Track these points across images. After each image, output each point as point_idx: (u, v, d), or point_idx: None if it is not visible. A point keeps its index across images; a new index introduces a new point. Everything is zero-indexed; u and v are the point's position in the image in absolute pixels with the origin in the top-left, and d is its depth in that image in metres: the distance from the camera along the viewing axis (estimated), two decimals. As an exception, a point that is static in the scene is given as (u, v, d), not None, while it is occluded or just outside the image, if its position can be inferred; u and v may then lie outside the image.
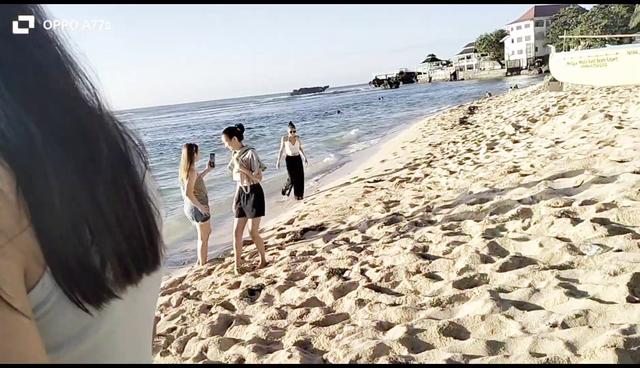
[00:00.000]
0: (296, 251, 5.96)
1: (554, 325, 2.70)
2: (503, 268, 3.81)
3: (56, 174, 0.54)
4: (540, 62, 77.64)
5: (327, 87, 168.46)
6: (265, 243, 6.74)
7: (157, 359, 3.83)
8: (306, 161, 10.35)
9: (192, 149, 6.17)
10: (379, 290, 4.01)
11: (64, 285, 0.53)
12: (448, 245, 4.70)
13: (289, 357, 3.12)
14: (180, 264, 7.20)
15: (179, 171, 6.33)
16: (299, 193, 10.05)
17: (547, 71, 26.35)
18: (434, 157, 11.10)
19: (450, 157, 10.41)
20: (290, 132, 9.89)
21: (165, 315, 4.81)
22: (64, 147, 0.56)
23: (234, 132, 5.61)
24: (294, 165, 9.97)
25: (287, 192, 10.35)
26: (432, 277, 4.05)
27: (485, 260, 4.12)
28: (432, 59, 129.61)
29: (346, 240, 5.92)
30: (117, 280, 0.60)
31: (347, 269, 4.76)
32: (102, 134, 0.61)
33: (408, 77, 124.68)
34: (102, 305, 0.57)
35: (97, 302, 0.57)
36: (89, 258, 0.56)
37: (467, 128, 16.26)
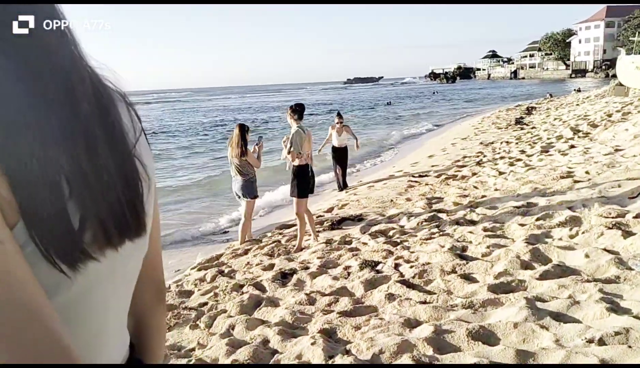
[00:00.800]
0: (332, 239, 5.93)
1: (591, 341, 2.55)
2: (543, 276, 3.64)
3: (36, 126, 0.53)
4: (607, 66, 73.60)
5: (382, 77, 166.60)
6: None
7: (186, 332, 3.92)
8: (358, 147, 10.20)
9: (244, 129, 6.30)
10: (410, 286, 3.93)
11: (38, 241, 0.52)
12: (488, 247, 4.53)
13: (312, 344, 3.11)
14: (219, 242, 7.34)
15: (228, 150, 6.45)
16: (343, 185, 9.78)
17: (614, 75, 24.85)
18: (484, 156, 10.75)
19: (501, 158, 10.05)
20: (338, 121, 9.61)
21: (199, 290, 4.92)
22: (46, 101, 0.55)
23: (294, 109, 5.81)
24: (340, 156, 9.67)
25: (340, 186, 9.76)
26: (468, 278, 3.92)
27: (526, 266, 3.95)
28: (493, 55, 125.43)
29: (383, 232, 5.83)
30: (96, 242, 0.58)
31: (380, 262, 4.69)
32: (84, 93, 0.59)
33: (466, 73, 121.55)
34: (77, 266, 0.56)
35: (72, 263, 0.55)
36: (64, 214, 0.54)
37: (522, 129, 15.65)
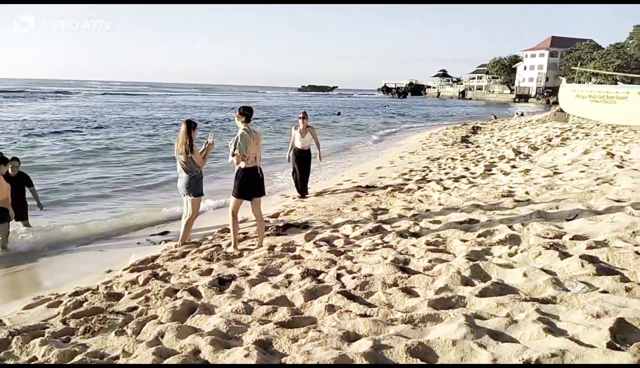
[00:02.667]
0: (275, 245, 5.78)
1: (527, 362, 2.53)
2: (483, 294, 3.64)
3: None
4: (549, 93, 77.62)
5: (336, 87, 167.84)
6: (245, 234, 6.58)
7: (111, 338, 3.64)
8: (320, 158, 9.53)
9: (190, 125, 6.07)
10: (351, 298, 3.83)
11: None
12: (430, 261, 4.52)
13: (246, 356, 2.93)
14: (157, 243, 7.00)
15: (175, 146, 6.20)
16: (302, 191, 9.17)
17: (555, 102, 26.21)
18: (430, 171, 10.94)
19: (446, 173, 10.25)
20: (302, 121, 9.04)
21: (129, 293, 4.62)
22: None
23: (242, 112, 5.70)
24: (301, 159, 9.07)
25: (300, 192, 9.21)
26: (409, 292, 3.87)
27: (466, 282, 3.95)
28: (444, 74, 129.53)
29: (328, 241, 5.74)
30: None
31: (323, 271, 4.58)
32: None
33: (417, 89, 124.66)
34: None
35: None
36: None
37: (467, 147, 16.11)
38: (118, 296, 4.60)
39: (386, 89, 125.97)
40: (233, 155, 5.62)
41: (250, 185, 5.75)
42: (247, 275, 4.75)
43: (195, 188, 6.24)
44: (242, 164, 5.65)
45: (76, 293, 4.72)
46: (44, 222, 8.07)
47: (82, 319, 4.01)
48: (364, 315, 3.47)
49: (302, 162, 9.12)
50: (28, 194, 7.53)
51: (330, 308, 3.64)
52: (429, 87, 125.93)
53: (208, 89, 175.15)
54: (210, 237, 6.69)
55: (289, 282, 4.39)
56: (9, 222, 6.77)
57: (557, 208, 5.97)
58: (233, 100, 73.19)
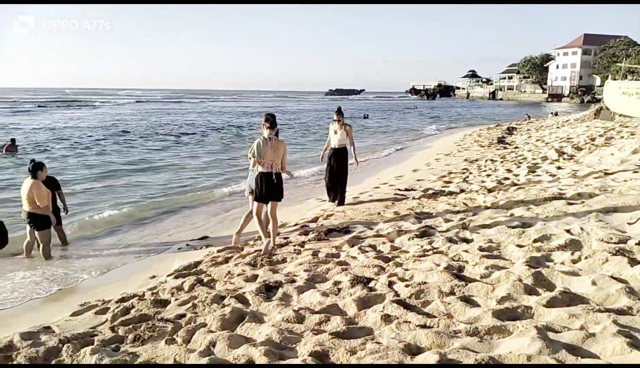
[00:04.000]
0: (319, 251, 5.64)
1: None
2: (551, 304, 3.41)
3: None
4: (583, 91, 75.53)
5: (363, 90, 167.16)
6: (287, 239, 6.46)
7: (161, 347, 3.56)
8: (356, 161, 8.72)
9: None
10: (408, 307, 3.66)
11: None
12: (486, 268, 4.31)
13: (304, 369, 2.80)
14: (198, 248, 6.97)
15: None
16: (337, 198, 8.37)
17: (590, 101, 25.33)
18: (470, 173, 10.64)
19: (488, 175, 9.94)
20: (336, 118, 8.31)
21: (176, 300, 4.55)
22: None
23: (266, 119, 6.07)
24: (335, 158, 8.28)
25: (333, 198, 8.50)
26: (468, 301, 3.68)
27: (530, 291, 3.72)
28: (473, 75, 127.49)
29: (373, 247, 5.57)
30: None
31: (372, 279, 4.41)
32: None
33: (446, 90, 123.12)
34: None
35: None
36: None
37: (505, 148, 15.69)
38: (165, 303, 4.54)
39: (414, 91, 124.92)
40: (250, 158, 6.12)
41: (266, 189, 6.07)
42: (293, 281, 4.62)
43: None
44: (259, 168, 6.04)
45: (123, 300, 4.69)
46: (83, 227, 8.16)
47: (130, 326, 3.95)
48: (424, 326, 3.29)
49: (337, 162, 8.31)
50: None
51: (387, 318, 3.48)
52: (458, 88, 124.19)
53: (236, 94, 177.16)
54: (251, 242, 6.61)
55: (339, 290, 4.24)
56: (50, 228, 6.82)
57: (615, 211, 5.66)
58: (264, 105, 73.79)
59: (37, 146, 20.68)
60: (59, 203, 7.40)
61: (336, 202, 8.40)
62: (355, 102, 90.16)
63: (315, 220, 7.44)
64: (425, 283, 4.10)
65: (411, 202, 8.01)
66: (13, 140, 18.23)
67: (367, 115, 45.14)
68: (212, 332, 3.63)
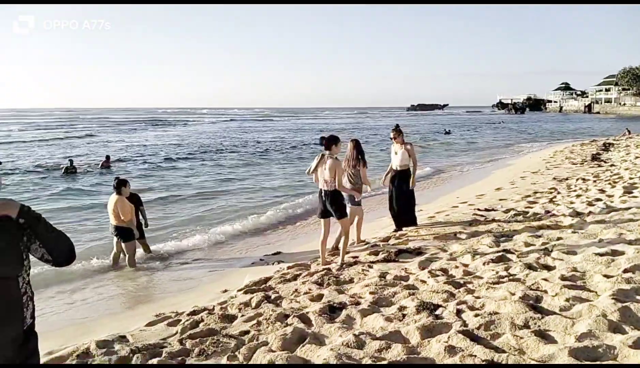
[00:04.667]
0: (387, 273, 5.50)
1: None
2: (638, 345, 3.04)
3: None
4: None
5: (447, 105, 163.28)
6: (356, 258, 6.38)
7: (224, 362, 3.62)
8: (412, 183, 7.66)
9: (359, 143, 7.30)
10: (475, 339, 3.44)
11: None
12: (567, 300, 3.95)
13: (359, 399, 2.71)
14: (270, 263, 7.08)
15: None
16: (400, 222, 7.79)
17: None
18: (559, 193, 9.94)
19: (577, 196, 9.22)
20: (393, 137, 7.82)
21: (242, 316, 4.63)
22: None
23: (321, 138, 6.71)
24: (396, 181, 7.73)
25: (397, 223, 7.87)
26: (544, 336, 3.38)
27: (615, 328, 3.36)
28: (566, 87, 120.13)
29: (444, 271, 5.33)
30: None
31: (440, 305, 4.21)
32: None
33: (536, 104, 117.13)
34: None
35: None
36: None
37: (600, 166, 14.52)
38: (232, 318, 4.63)
39: (501, 105, 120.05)
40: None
41: (319, 205, 6.34)
42: (358, 303, 4.53)
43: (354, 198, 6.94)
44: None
45: (194, 313, 4.85)
46: (165, 240, 8.60)
47: (197, 340, 4.06)
48: (491, 363, 3.06)
49: (399, 185, 7.70)
50: None
51: (451, 350, 3.28)
52: (549, 101, 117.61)
53: (319, 111, 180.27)
54: (318, 260, 6.60)
55: (403, 315, 4.09)
56: (134, 240, 7.26)
57: None
58: (343, 122, 74.45)
59: (131, 161, 22.29)
60: (142, 217, 7.86)
61: (397, 226, 7.84)
62: (437, 118, 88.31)
63: (386, 239, 7.29)
64: (497, 313, 3.84)
65: (490, 224, 7.61)
66: (107, 157, 19.81)
67: (449, 130, 43.95)
68: (272, 351, 3.63)
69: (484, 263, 5.36)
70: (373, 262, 6.04)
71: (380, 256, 6.25)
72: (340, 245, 6.30)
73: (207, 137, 39.55)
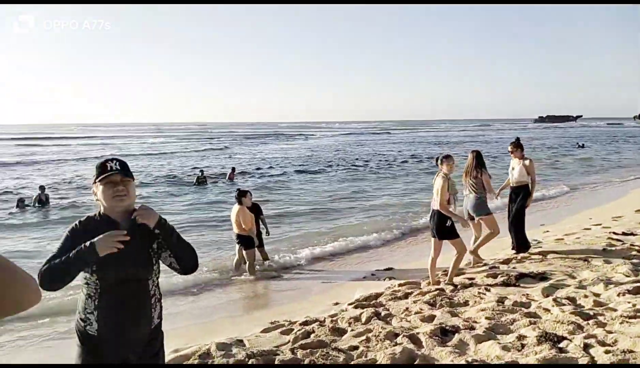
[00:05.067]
0: (505, 298, 5.18)
1: None
2: None
3: None
4: None
5: (580, 116, 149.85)
6: (472, 280, 6.11)
7: (332, 376, 3.67)
8: (528, 202, 7.21)
9: (479, 153, 7.16)
10: (605, 379, 3.10)
11: None
12: None
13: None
14: (382, 279, 7.05)
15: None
16: (518, 244, 7.28)
17: None
18: None
19: None
20: (510, 150, 7.36)
21: (352, 331, 4.67)
22: None
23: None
24: (512, 198, 7.31)
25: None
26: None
27: None
28: None
29: (572, 300, 4.88)
30: None
31: (565, 338, 3.86)
32: None
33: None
34: None
35: None
36: None
37: None
38: (342, 332, 4.69)
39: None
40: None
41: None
42: (472, 328, 4.33)
43: (483, 207, 6.86)
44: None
45: (305, 323, 4.99)
46: (281, 251, 8.97)
47: (308, 351, 4.16)
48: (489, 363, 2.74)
49: (510, 201, 7.34)
50: None
51: (576, 389, 3.00)
52: None
53: (440, 122, 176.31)
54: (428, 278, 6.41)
55: (522, 345, 3.82)
56: (255, 248, 7.67)
57: None
58: (464, 135, 71.98)
59: (254, 173, 23.63)
60: (262, 226, 8.28)
61: (516, 248, 7.30)
62: (569, 130, 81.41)
63: (507, 262, 6.87)
64: (632, 352, 3.42)
65: (629, 250, 6.83)
66: (233, 169, 21.20)
67: (583, 144, 40.20)
68: (380, 369, 3.61)
69: (618, 294, 4.82)
70: (491, 285, 5.74)
71: (499, 279, 5.90)
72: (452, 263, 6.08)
73: (326, 150, 40.63)
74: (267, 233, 8.34)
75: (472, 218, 7.01)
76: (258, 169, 25.76)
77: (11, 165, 28.37)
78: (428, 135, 70.59)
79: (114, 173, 2.18)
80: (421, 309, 5.11)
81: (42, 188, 14.86)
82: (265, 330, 5.00)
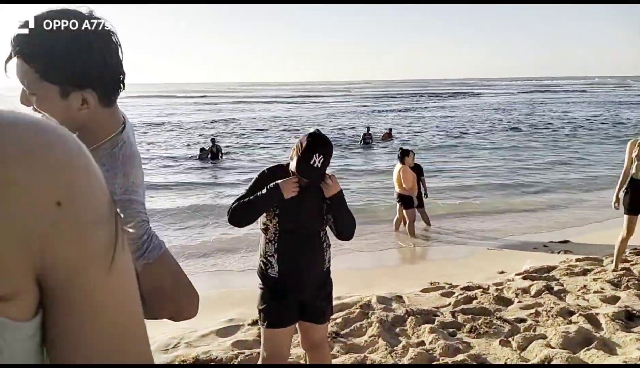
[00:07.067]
0: None
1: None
2: None
3: None
4: None
5: None
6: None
7: (494, 345, 3.53)
8: None
9: None
10: None
11: None
12: None
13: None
14: (556, 251, 6.50)
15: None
16: None
17: None
18: None
19: None
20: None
21: (519, 302, 4.43)
22: None
23: None
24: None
25: None
26: None
27: None
28: None
29: None
30: None
31: None
32: None
33: None
34: None
35: None
36: None
37: None
38: (507, 302, 4.47)
39: None
40: None
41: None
42: (667, 317, 3.77)
43: None
44: None
45: (467, 288, 4.86)
46: (441, 215, 8.76)
47: (469, 316, 4.07)
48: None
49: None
50: None
51: None
52: None
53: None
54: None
55: None
56: (415, 209, 7.60)
57: None
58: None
59: (415, 135, 23.10)
60: (422, 187, 8.13)
61: None
62: None
63: None
64: None
65: None
66: (390, 130, 21.04)
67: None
68: (550, 347, 3.37)
69: None
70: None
71: None
72: None
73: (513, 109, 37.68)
74: (426, 194, 8.19)
75: None
76: (429, 130, 25.11)
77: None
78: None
79: (308, 173, 2.23)
80: (602, 288, 4.59)
81: (213, 140, 16.25)
82: (424, 290, 5.00)
